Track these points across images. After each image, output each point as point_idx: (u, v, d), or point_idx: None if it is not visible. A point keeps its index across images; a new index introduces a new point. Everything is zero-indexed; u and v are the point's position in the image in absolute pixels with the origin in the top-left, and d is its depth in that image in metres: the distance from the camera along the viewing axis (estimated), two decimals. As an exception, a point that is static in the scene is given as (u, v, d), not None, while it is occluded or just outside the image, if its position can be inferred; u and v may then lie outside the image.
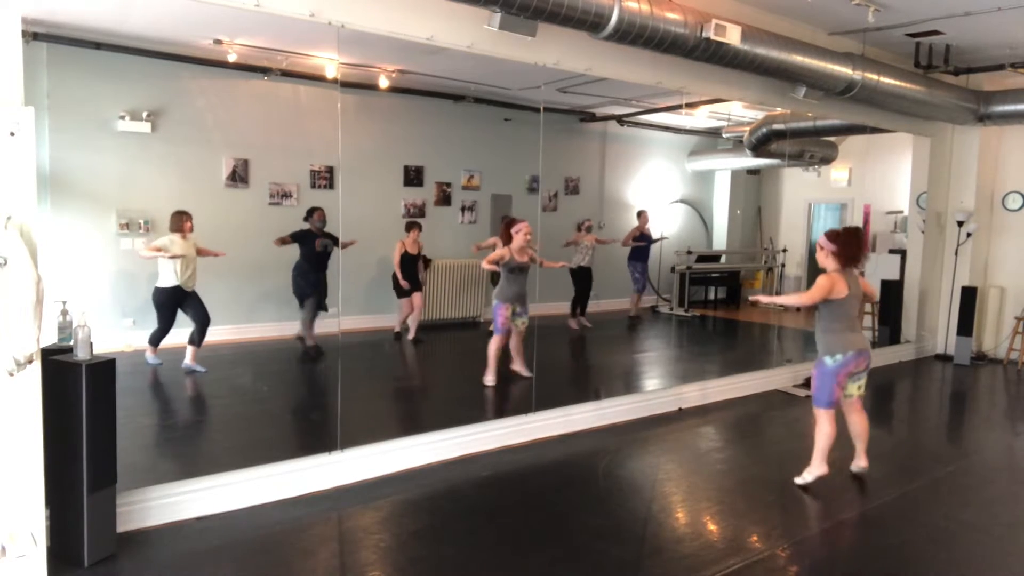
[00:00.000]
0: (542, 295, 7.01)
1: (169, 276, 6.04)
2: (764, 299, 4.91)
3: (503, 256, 6.10)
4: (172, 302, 6.09)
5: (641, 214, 9.52)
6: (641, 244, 9.31)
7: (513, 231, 6.14)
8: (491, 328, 6.33)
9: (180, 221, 6.07)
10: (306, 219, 6.99)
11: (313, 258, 6.96)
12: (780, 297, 5.03)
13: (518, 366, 6.33)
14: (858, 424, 4.67)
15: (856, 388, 4.56)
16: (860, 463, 4.74)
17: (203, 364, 6.28)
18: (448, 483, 4.46)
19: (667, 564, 3.51)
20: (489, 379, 6.14)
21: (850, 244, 4.42)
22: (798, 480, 4.51)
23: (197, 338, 6.20)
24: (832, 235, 4.46)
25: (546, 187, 9.35)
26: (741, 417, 6.18)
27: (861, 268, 4.64)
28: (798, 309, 5.00)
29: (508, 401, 5.99)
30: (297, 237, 6.93)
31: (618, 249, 9.31)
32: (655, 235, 9.52)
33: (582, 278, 8.70)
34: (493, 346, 6.16)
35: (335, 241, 6.91)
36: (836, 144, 10.04)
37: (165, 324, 6.09)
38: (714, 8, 5.29)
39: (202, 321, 6.17)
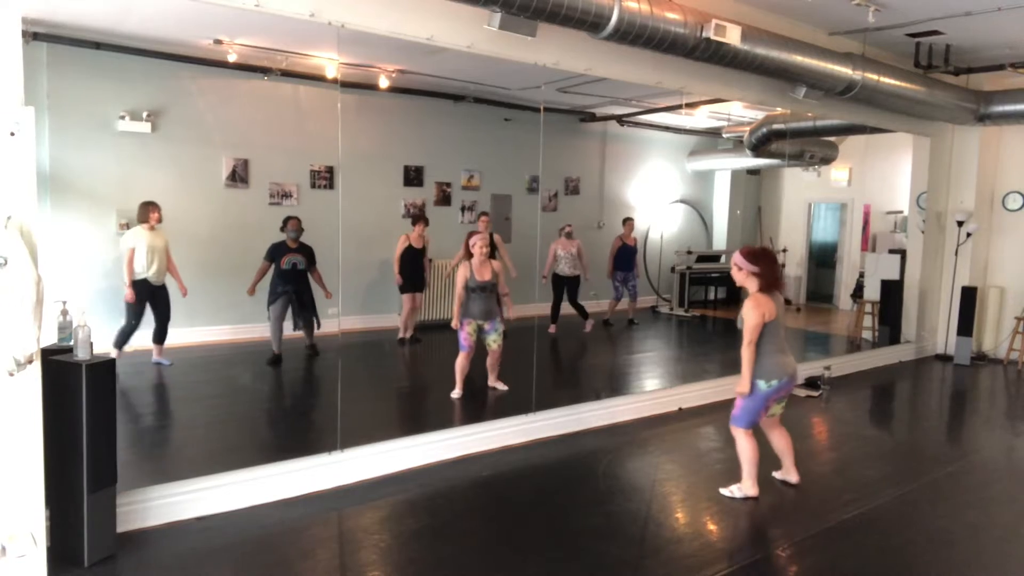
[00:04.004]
0: (541, 295, 7.02)
1: (137, 269, 5.92)
2: (744, 382, 4.26)
3: (466, 277, 5.84)
4: (140, 296, 5.93)
5: (626, 222, 9.13)
6: (626, 250, 8.97)
7: (470, 245, 5.86)
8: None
9: (146, 212, 5.97)
10: (282, 229, 6.79)
11: (283, 275, 6.68)
12: (745, 366, 4.23)
13: (493, 382, 6.09)
14: (780, 439, 4.53)
15: (779, 408, 4.44)
16: (790, 477, 4.56)
17: (204, 364, 6.27)
18: (448, 483, 4.46)
19: (667, 564, 3.51)
20: (455, 393, 5.88)
21: (771, 267, 4.25)
22: (724, 492, 4.36)
23: (159, 336, 6.09)
24: (750, 255, 4.25)
25: (546, 187, 9.34)
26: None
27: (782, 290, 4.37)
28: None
29: (507, 402, 5.98)
30: (269, 252, 6.69)
31: (606, 250, 9.17)
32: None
33: (566, 287, 8.30)
34: (457, 362, 5.86)
35: (309, 257, 6.71)
36: (836, 144, 10.04)
37: (132, 321, 5.91)
38: (714, 8, 5.29)
39: (162, 318, 6.06)
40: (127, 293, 5.88)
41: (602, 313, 9.14)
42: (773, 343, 4.26)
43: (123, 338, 5.91)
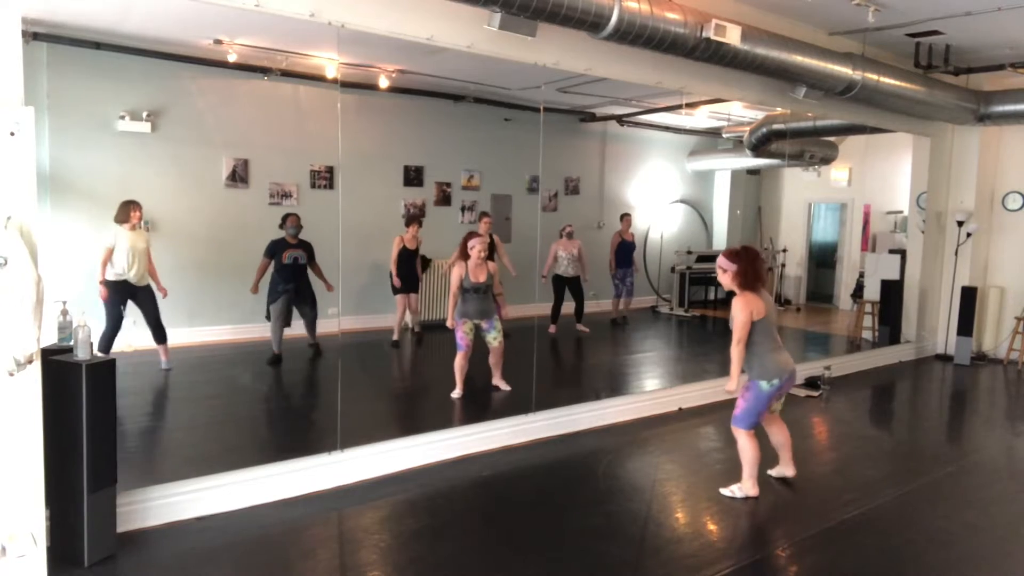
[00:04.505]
0: (541, 295, 7.01)
1: (117, 269, 5.81)
2: (732, 381, 4.31)
3: (460, 276, 5.86)
4: (117, 297, 5.81)
5: (624, 218, 9.16)
6: (625, 245, 9.01)
7: (468, 247, 5.86)
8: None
9: (128, 211, 5.85)
10: (280, 226, 6.77)
11: (284, 271, 6.67)
12: (733, 365, 4.27)
13: (497, 380, 6.10)
14: (779, 434, 4.55)
15: (779, 405, 4.45)
16: (787, 471, 4.60)
17: (204, 364, 6.27)
18: (448, 483, 4.46)
19: (667, 564, 3.51)
20: (455, 393, 5.89)
21: (751, 263, 4.23)
22: (724, 491, 4.36)
23: (157, 337, 6.01)
24: (731, 255, 4.25)
25: (546, 187, 9.34)
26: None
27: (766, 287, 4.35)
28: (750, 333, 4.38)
29: (507, 402, 5.98)
30: (269, 249, 6.69)
31: (606, 249, 9.18)
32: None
33: (567, 287, 8.29)
34: (456, 362, 5.90)
35: (309, 253, 6.71)
36: (836, 144, 10.04)
37: (111, 322, 5.78)
38: (714, 8, 5.29)
39: (152, 317, 5.96)
40: (101, 291, 5.80)
41: (606, 313, 9.14)
42: (769, 342, 4.25)
43: (106, 342, 5.78)
